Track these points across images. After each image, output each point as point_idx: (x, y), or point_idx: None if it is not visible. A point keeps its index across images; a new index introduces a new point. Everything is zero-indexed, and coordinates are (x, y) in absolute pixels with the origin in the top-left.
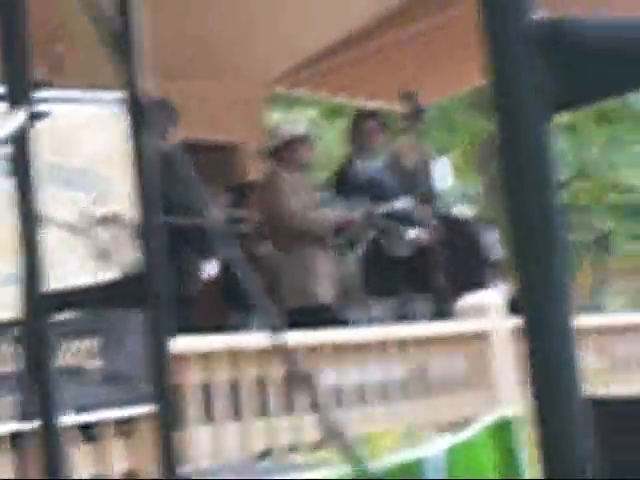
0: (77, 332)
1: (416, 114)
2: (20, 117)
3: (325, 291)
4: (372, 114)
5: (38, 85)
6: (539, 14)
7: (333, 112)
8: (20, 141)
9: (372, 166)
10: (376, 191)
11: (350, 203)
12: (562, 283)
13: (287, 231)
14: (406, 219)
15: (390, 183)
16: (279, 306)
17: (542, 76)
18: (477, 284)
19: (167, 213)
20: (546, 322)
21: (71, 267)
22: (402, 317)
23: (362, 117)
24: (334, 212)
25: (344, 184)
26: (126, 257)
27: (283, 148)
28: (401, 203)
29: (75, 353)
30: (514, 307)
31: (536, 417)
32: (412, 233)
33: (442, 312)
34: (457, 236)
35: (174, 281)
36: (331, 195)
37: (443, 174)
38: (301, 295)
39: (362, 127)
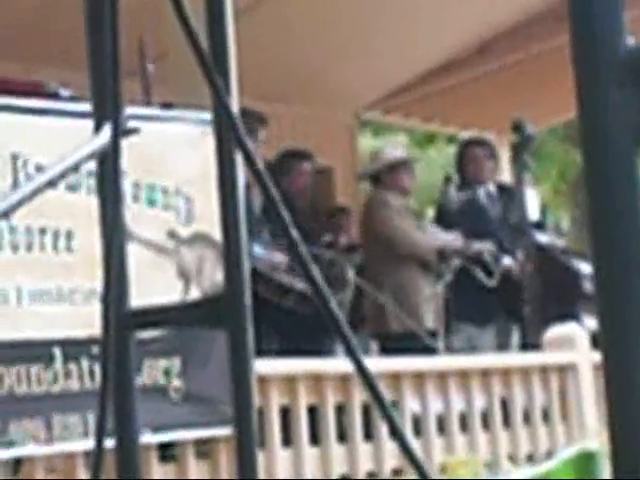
0: (159, 351)
1: (525, 144)
2: (107, 133)
3: (429, 315)
4: (481, 141)
5: (128, 102)
6: (631, 42)
7: (424, 140)
8: (107, 158)
9: (475, 194)
10: (475, 220)
11: (447, 232)
12: None
13: (393, 253)
14: (498, 248)
15: (493, 212)
16: (383, 331)
17: (632, 105)
18: (567, 316)
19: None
20: (626, 353)
21: (156, 286)
22: (500, 347)
23: (471, 144)
24: (440, 235)
25: (442, 213)
26: (212, 277)
27: (385, 172)
28: (491, 244)
29: (156, 372)
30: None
31: (613, 448)
32: (503, 262)
33: (529, 343)
34: (549, 267)
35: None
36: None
37: (532, 205)
38: (406, 320)
39: (471, 154)
